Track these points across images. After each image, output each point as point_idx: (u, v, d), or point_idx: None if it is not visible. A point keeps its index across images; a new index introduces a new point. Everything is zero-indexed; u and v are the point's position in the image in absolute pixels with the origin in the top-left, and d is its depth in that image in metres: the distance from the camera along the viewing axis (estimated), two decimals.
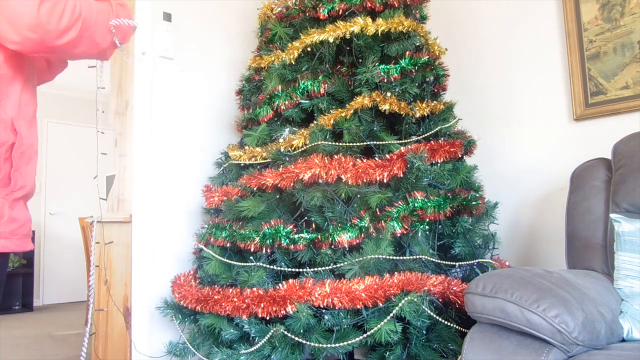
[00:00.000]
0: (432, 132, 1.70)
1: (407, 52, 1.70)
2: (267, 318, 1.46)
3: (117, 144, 2.16)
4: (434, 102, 1.76)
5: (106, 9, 0.98)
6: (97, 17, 0.95)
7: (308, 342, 1.40)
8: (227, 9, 2.44)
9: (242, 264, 1.63)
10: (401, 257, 1.48)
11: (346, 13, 1.76)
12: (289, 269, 1.56)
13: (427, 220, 1.52)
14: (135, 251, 1.99)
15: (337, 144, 1.62)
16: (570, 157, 1.92)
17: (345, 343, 1.37)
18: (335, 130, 1.67)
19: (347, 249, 1.48)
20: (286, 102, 1.77)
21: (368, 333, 1.36)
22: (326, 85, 1.74)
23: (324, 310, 1.43)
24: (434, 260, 1.52)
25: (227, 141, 2.33)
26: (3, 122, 0.90)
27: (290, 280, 1.46)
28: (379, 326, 1.34)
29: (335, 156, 1.54)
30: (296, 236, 1.51)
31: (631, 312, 1.20)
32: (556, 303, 1.03)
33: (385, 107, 1.63)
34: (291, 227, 1.54)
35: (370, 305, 1.37)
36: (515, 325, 1.06)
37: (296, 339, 1.41)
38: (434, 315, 1.39)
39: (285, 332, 1.42)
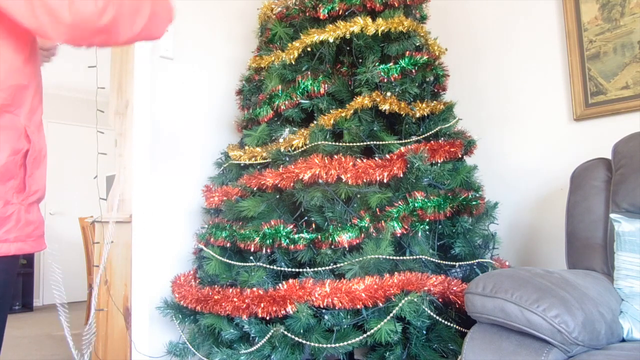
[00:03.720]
0: (432, 132, 1.70)
1: (407, 52, 1.70)
2: (267, 318, 1.46)
3: (117, 144, 2.16)
4: (434, 102, 1.76)
5: None
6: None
7: (308, 342, 1.40)
8: (227, 9, 2.44)
9: (242, 264, 1.63)
10: (401, 257, 1.48)
11: (346, 13, 1.76)
12: (289, 269, 1.56)
13: (427, 220, 1.52)
14: (135, 251, 1.99)
15: (337, 144, 1.62)
16: (570, 157, 1.92)
17: (345, 343, 1.37)
18: (335, 130, 1.67)
19: (347, 249, 1.48)
20: (286, 102, 1.77)
21: (368, 333, 1.36)
22: (326, 85, 1.74)
23: (324, 310, 1.43)
24: (434, 260, 1.52)
25: (227, 141, 2.32)
26: (18, 131, 0.91)
27: (290, 280, 1.46)
28: (379, 326, 1.34)
29: (335, 156, 1.54)
30: (296, 236, 1.51)
31: (631, 312, 1.20)
32: (556, 303, 1.03)
33: (385, 107, 1.63)
34: (291, 227, 1.54)
35: (370, 305, 1.37)
36: (515, 325, 1.06)
37: (296, 339, 1.41)
38: (434, 315, 1.39)
39: (285, 332, 1.41)
